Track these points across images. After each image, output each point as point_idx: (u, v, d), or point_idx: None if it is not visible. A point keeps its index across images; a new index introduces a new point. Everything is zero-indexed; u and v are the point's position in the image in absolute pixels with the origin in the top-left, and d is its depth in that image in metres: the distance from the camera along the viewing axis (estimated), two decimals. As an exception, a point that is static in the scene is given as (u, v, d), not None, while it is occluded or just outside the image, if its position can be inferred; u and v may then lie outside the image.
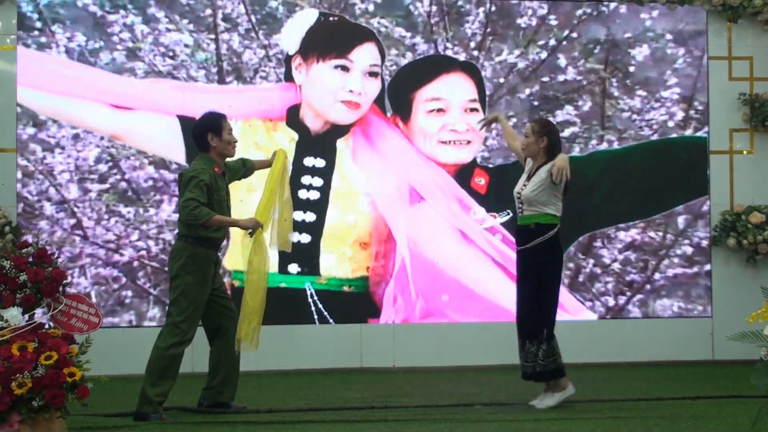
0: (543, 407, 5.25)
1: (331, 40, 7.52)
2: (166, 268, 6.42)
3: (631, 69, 7.80)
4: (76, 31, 7.24)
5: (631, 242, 7.75)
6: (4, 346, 4.07)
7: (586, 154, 7.64)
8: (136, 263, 7.20)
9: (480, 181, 7.58)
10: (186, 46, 7.35)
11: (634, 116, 7.77)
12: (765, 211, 7.62)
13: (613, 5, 7.79)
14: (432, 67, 7.64)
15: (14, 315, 4.20)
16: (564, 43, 7.74)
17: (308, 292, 7.36)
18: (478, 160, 7.60)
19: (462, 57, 7.65)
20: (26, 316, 4.26)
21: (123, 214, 7.24)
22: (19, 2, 7.19)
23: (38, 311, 4.31)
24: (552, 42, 7.73)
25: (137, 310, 7.18)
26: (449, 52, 7.65)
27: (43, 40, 7.20)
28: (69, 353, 4.15)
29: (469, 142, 7.59)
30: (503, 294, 7.48)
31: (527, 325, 5.30)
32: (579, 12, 7.77)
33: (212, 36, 7.39)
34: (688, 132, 7.82)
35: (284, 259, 7.21)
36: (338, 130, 7.49)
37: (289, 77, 7.47)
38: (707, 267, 7.79)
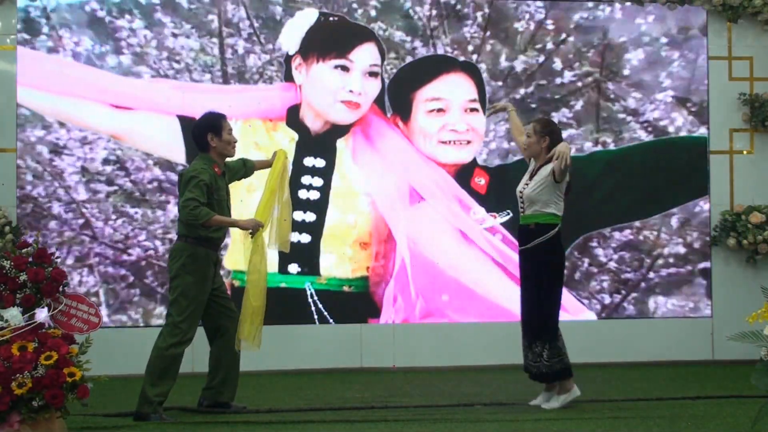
0: (548, 408, 5.24)
1: (331, 40, 7.52)
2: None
3: (626, 72, 7.79)
4: (83, 35, 7.25)
5: (629, 242, 7.74)
6: (4, 346, 4.07)
7: (586, 154, 7.64)
8: (143, 263, 7.21)
9: (480, 181, 7.58)
10: (191, 50, 7.36)
11: (629, 118, 7.77)
12: (765, 211, 7.62)
13: (608, 9, 7.79)
14: (432, 67, 7.64)
15: (14, 315, 4.20)
16: (560, 46, 7.74)
17: (308, 292, 7.36)
18: (478, 160, 7.60)
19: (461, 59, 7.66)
20: (26, 316, 4.26)
21: (130, 215, 7.25)
22: (27, 7, 7.20)
23: (38, 311, 4.31)
24: (549, 45, 7.73)
25: (144, 308, 7.20)
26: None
27: (50, 44, 7.21)
28: (69, 353, 4.16)
29: (469, 142, 7.59)
30: (503, 294, 7.49)
31: (532, 325, 5.30)
32: (576, 16, 7.76)
33: (215, 40, 7.39)
34: (683, 133, 7.81)
35: (284, 259, 7.21)
36: (338, 130, 7.49)
37: (289, 77, 7.47)
38: (707, 267, 7.79)
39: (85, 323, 4.46)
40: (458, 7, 7.66)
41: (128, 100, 7.28)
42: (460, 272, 7.52)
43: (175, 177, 7.19)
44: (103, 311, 7.11)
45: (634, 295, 7.73)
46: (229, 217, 5.26)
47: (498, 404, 5.48)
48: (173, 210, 7.18)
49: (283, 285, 7.28)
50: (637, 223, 7.77)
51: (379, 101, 7.52)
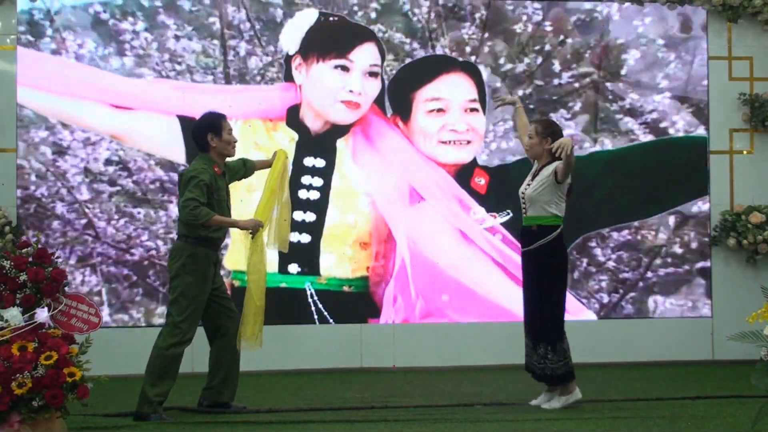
0: (548, 408, 5.24)
1: (331, 40, 7.52)
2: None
3: (625, 72, 7.79)
4: (86, 37, 7.26)
5: (628, 242, 7.74)
6: (4, 346, 4.07)
7: (586, 154, 7.63)
8: (146, 262, 7.22)
9: (480, 181, 7.58)
10: (193, 52, 7.36)
11: (628, 118, 7.77)
12: (765, 211, 7.62)
13: (607, 10, 7.79)
14: (432, 67, 7.64)
15: (14, 315, 4.20)
16: (558, 47, 7.74)
17: (308, 292, 7.36)
18: (478, 160, 7.60)
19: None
20: (26, 316, 4.26)
21: (133, 215, 7.25)
22: (31, 10, 7.20)
23: (38, 311, 4.31)
24: (547, 47, 7.73)
25: (146, 308, 7.20)
26: (447, 57, 7.67)
27: (54, 46, 7.22)
28: (69, 353, 4.16)
29: (469, 142, 7.59)
30: (503, 294, 7.49)
31: (535, 327, 5.29)
32: (573, 18, 7.76)
33: (216, 42, 7.40)
34: (683, 133, 7.81)
35: (284, 259, 7.21)
36: (338, 130, 7.49)
37: (289, 77, 7.47)
38: (707, 267, 7.79)
39: (85, 323, 4.46)
40: (456, 9, 7.66)
41: (128, 101, 7.29)
42: (460, 272, 7.52)
43: (176, 177, 7.19)
44: (106, 311, 7.13)
45: (633, 295, 7.73)
46: (229, 217, 5.26)
47: (498, 404, 5.48)
48: (175, 210, 7.18)
49: (283, 285, 7.28)
50: (636, 223, 7.77)
51: (379, 101, 7.52)
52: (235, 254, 7.11)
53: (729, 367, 7.21)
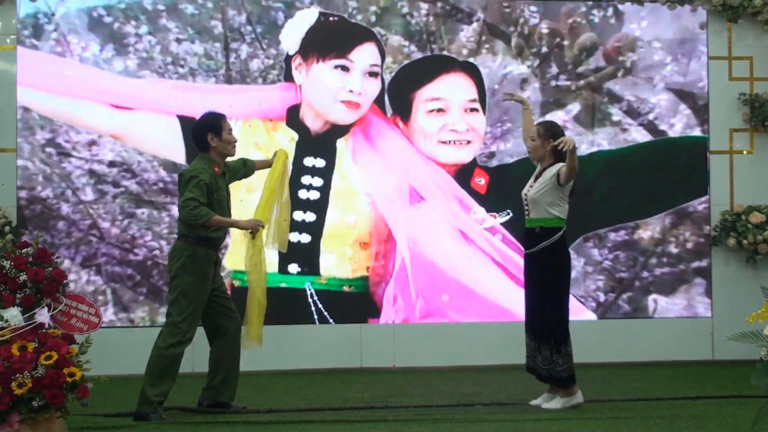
0: (548, 408, 5.24)
1: (331, 40, 7.52)
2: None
3: (624, 72, 7.79)
4: (90, 40, 7.27)
5: (628, 242, 7.74)
6: (4, 346, 4.07)
7: (585, 154, 7.63)
8: (149, 262, 7.23)
9: (480, 181, 7.58)
10: (195, 54, 7.36)
11: (627, 119, 7.76)
12: (765, 211, 7.62)
13: (605, 10, 7.78)
14: (432, 67, 7.64)
15: (14, 315, 4.20)
16: (556, 49, 7.73)
17: (308, 292, 7.36)
18: (478, 160, 7.60)
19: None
20: (26, 316, 4.25)
21: (137, 215, 7.26)
22: (36, 14, 7.21)
23: (38, 311, 4.31)
24: (545, 48, 7.72)
25: (150, 307, 7.21)
26: (445, 58, 7.67)
27: (59, 49, 7.23)
28: (69, 353, 4.16)
29: (469, 142, 7.59)
30: (503, 294, 7.49)
31: (537, 327, 5.29)
32: (571, 19, 7.75)
33: (218, 45, 7.40)
34: (683, 133, 7.81)
35: (284, 259, 7.21)
36: (338, 130, 7.49)
37: (289, 77, 7.47)
38: (707, 267, 7.79)
39: (85, 323, 4.46)
40: (453, 12, 7.66)
41: (128, 101, 7.29)
42: (460, 272, 7.52)
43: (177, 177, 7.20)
44: (110, 310, 7.16)
45: (633, 295, 7.73)
46: (230, 217, 5.26)
47: (498, 404, 5.48)
48: (177, 210, 7.18)
49: (283, 285, 7.29)
50: (636, 223, 7.77)
51: (379, 101, 7.52)
52: (235, 254, 7.11)
53: (729, 367, 7.21)
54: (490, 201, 7.56)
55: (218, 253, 5.28)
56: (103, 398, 5.39)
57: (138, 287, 7.24)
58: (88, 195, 7.24)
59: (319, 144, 7.45)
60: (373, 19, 7.58)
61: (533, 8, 7.71)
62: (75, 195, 7.22)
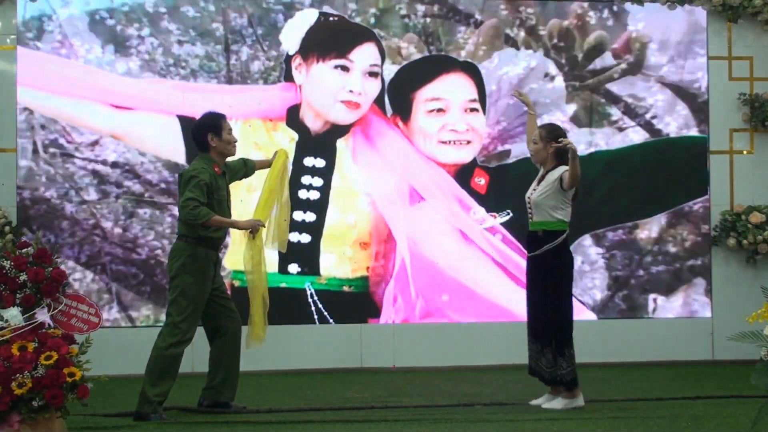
0: (548, 408, 5.24)
1: (331, 40, 7.52)
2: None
3: (614, 75, 7.78)
4: (93, 43, 7.28)
5: (628, 242, 7.74)
6: (4, 346, 4.07)
7: (585, 154, 7.62)
8: (152, 261, 7.23)
9: (480, 181, 7.58)
10: (196, 56, 7.37)
11: (626, 120, 7.76)
12: (765, 211, 7.62)
13: (604, 11, 7.78)
14: (432, 67, 7.64)
15: (14, 315, 4.20)
16: (554, 49, 7.73)
17: (308, 292, 7.36)
18: (478, 160, 7.60)
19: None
20: (26, 316, 4.25)
21: (139, 215, 7.26)
22: (41, 17, 7.22)
23: (38, 311, 4.31)
24: (542, 49, 7.72)
25: (155, 305, 7.22)
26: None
27: (63, 51, 7.24)
28: (69, 353, 4.16)
29: (469, 142, 7.59)
30: (503, 294, 7.49)
31: (539, 329, 5.28)
32: (566, 22, 7.74)
33: (219, 47, 7.40)
34: (683, 133, 7.81)
35: (284, 259, 7.21)
36: (338, 130, 7.49)
37: (289, 77, 7.48)
38: (707, 267, 7.78)
39: (85, 323, 4.46)
40: (451, 14, 7.65)
41: (128, 100, 7.29)
42: (460, 272, 7.52)
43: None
44: (114, 308, 7.18)
45: (633, 294, 7.73)
46: (230, 218, 5.26)
47: (498, 404, 5.47)
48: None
49: (283, 285, 7.29)
50: (636, 223, 7.77)
51: (379, 101, 7.52)
52: (235, 254, 7.10)
53: (729, 367, 7.21)
54: (490, 201, 7.56)
55: (218, 253, 5.28)
56: (103, 398, 5.39)
57: (141, 286, 7.25)
58: (91, 195, 7.24)
59: (319, 144, 7.45)
60: (372, 21, 7.58)
61: (530, 10, 7.71)
62: (78, 195, 7.23)
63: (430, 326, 7.49)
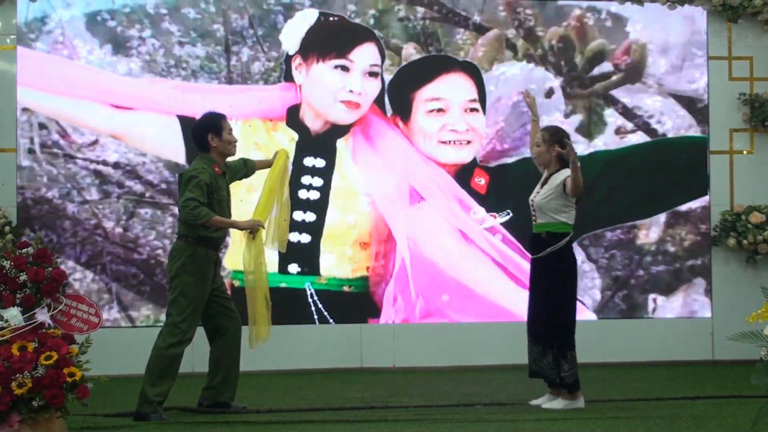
0: (548, 408, 5.24)
1: (331, 40, 7.52)
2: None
3: (614, 78, 7.77)
4: (95, 44, 7.29)
5: (628, 242, 7.74)
6: (4, 346, 4.07)
7: (585, 154, 7.62)
8: (153, 261, 7.24)
9: (480, 181, 7.58)
10: (197, 57, 7.37)
11: (619, 122, 7.76)
12: (765, 211, 7.62)
13: (603, 11, 7.77)
14: (432, 67, 7.64)
15: (14, 315, 4.20)
16: (551, 51, 7.72)
17: (308, 292, 7.36)
18: (478, 160, 7.60)
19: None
20: (26, 316, 4.25)
21: (140, 215, 7.27)
22: (44, 18, 7.23)
23: (38, 311, 4.31)
24: (539, 51, 7.71)
25: (155, 305, 7.23)
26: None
27: (65, 52, 7.25)
28: (69, 353, 4.16)
29: (469, 142, 7.59)
30: (503, 294, 7.49)
31: (541, 332, 5.27)
32: (565, 22, 7.74)
33: (219, 48, 7.40)
34: (683, 133, 7.81)
35: (284, 259, 7.22)
36: (338, 130, 7.49)
37: (289, 77, 7.48)
38: (707, 267, 7.78)
39: (85, 323, 4.46)
40: (450, 15, 7.65)
41: (128, 100, 7.29)
42: (460, 272, 7.52)
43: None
44: (115, 308, 7.19)
45: (633, 294, 7.73)
46: (230, 218, 5.26)
47: (498, 404, 5.47)
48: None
49: (283, 285, 7.28)
50: (636, 223, 7.77)
51: (379, 101, 7.52)
52: (235, 254, 7.10)
53: (729, 367, 7.21)
54: (490, 201, 7.56)
55: (218, 253, 5.28)
56: (103, 398, 5.39)
57: (141, 286, 7.25)
58: (92, 195, 7.25)
59: (319, 144, 7.45)
60: (371, 22, 7.58)
61: (528, 11, 7.70)
62: (79, 195, 7.23)
63: (430, 326, 7.49)
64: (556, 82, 7.69)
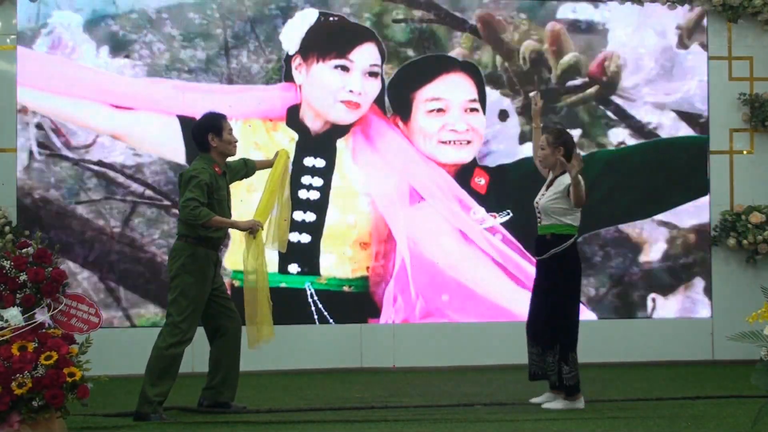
0: (548, 408, 5.24)
1: (331, 40, 7.51)
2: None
3: (605, 79, 7.76)
4: (94, 43, 7.28)
5: (628, 241, 7.74)
6: (4, 346, 4.07)
7: (586, 154, 7.62)
8: (159, 259, 7.24)
9: (480, 181, 7.58)
10: (199, 61, 7.37)
11: (614, 123, 7.76)
12: (765, 211, 7.62)
13: (601, 11, 7.77)
14: (432, 67, 7.63)
15: (14, 315, 4.20)
16: (548, 53, 7.72)
17: (308, 292, 7.36)
18: (478, 160, 7.60)
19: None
20: (26, 316, 4.25)
21: (141, 215, 7.27)
22: (52, 23, 7.23)
23: (38, 311, 4.31)
24: (536, 53, 7.70)
25: (161, 303, 7.21)
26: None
27: (63, 51, 7.25)
28: (69, 353, 4.16)
29: (469, 142, 7.59)
30: (503, 294, 7.49)
31: (540, 333, 5.27)
32: (558, 27, 7.73)
33: (221, 51, 7.40)
34: (682, 133, 7.82)
35: (284, 259, 7.22)
36: (338, 130, 7.49)
37: (289, 77, 7.47)
38: (707, 267, 7.78)
39: (85, 323, 4.46)
40: (447, 19, 7.64)
41: (128, 100, 7.29)
42: (460, 272, 7.52)
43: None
44: (115, 309, 7.19)
45: (632, 294, 7.73)
46: (230, 218, 5.26)
47: (498, 404, 5.47)
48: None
49: (283, 285, 7.28)
50: (636, 223, 7.77)
51: (379, 101, 7.52)
52: (235, 254, 7.10)
53: (729, 367, 7.21)
54: (490, 201, 7.56)
55: (218, 253, 5.28)
56: (103, 398, 5.39)
57: (144, 286, 7.26)
58: (93, 195, 7.25)
59: (319, 144, 7.45)
60: (368, 24, 7.58)
61: (523, 15, 7.69)
62: (79, 195, 7.24)
63: (430, 326, 7.48)
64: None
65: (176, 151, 7.29)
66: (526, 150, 7.42)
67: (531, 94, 5.89)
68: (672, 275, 7.78)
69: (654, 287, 7.75)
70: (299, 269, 7.35)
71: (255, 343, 5.22)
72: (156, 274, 7.25)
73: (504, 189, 7.53)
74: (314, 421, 4.94)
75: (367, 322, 7.44)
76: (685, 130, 7.80)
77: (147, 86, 7.33)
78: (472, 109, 7.61)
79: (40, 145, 7.19)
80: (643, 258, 7.75)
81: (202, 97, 7.27)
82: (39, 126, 7.20)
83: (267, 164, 5.54)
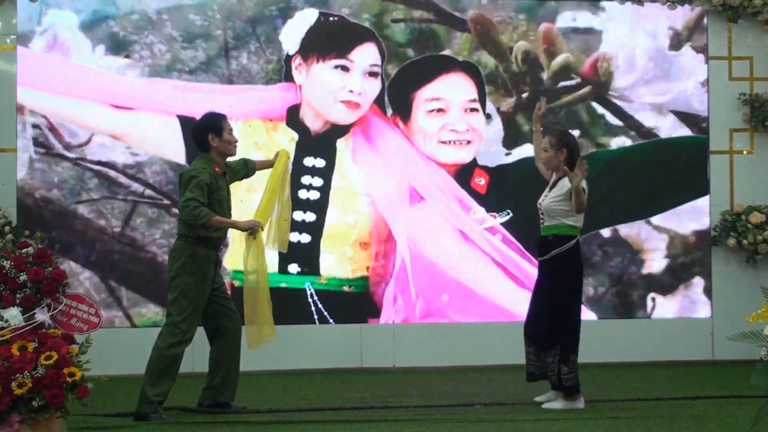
0: (549, 408, 5.24)
1: (331, 40, 7.52)
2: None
3: (603, 79, 7.75)
4: (93, 43, 7.28)
5: (628, 241, 7.74)
6: (4, 346, 4.07)
7: (586, 154, 7.62)
8: (160, 259, 7.24)
9: (480, 181, 7.58)
10: (200, 62, 7.38)
11: (612, 123, 7.76)
12: (765, 211, 7.62)
13: (600, 11, 7.77)
14: (432, 67, 7.63)
15: (14, 315, 4.20)
16: (545, 54, 7.72)
17: (308, 292, 7.36)
18: (478, 160, 7.60)
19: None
20: (26, 316, 4.25)
21: (141, 215, 7.27)
22: (52, 24, 7.22)
23: (38, 311, 4.31)
24: (533, 54, 7.70)
25: (162, 303, 7.22)
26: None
27: (63, 51, 7.25)
28: (69, 353, 4.16)
29: (469, 142, 7.59)
30: (503, 294, 7.49)
31: (538, 333, 5.27)
32: (555, 28, 7.73)
33: (221, 52, 7.40)
34: (682, 134, 7.82)
35: (284, 259, 7.22)
36: (338, 130, 7.49)
37: (289, 77, 7.47)
38: (707, 267, 7.78)
39: (85, 323, 4.46)
40: (446, 20, 7.64)
41: (128, 100, 7.29)
42: (460, 272, 7.52)
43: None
44: (115, 309, 7.19)
45: (632, 294, 7.73)
46: (230, 218, 5.26)
47: (498, 404, 5.48)
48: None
49: (283, 285, 7.29)
50: (636, 223, 7.77)
51: (379, 101, 7.52)
52: (235, 254, 7.11)
53: (729, 367, 7.21)
54: (490, 201, 7.56)
55: (218, 253, 5.28)
56: (103, 398, 5.39)
57: (144, 286, 7.26)
58: (93, 195, 7.24)
59: (319, 144, 7.45)
60: (368, 24, 7.57)
61: (521, 16, 7.69)
62: (79, 195, 7.23)
63: (430, 326, 7.48)
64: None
65: (176, 151, 7.29)
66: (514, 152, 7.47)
67: (539, 104, 5.86)
68: (672, 275, 7.78)
69: (654, 287, 7.75)
70: (299, 269, 7.35)
71: (255, 344, 5.22)
72: (157, 274, 7.25)
73: (504, 189, 7.53)
74: (314, 421, 4.94)
75: (367, 322, 7.44)
76: (682, 131, 7.80)
77: (147, 86, 7.33)
78: (472, 109, 7.61)
79: (39, 144, 7.19)
80: (642, 258, 7.75)
81: (202, 97, 7.27)
82: (39, 126, 7.20)
83: (267, 164, 5.54)
